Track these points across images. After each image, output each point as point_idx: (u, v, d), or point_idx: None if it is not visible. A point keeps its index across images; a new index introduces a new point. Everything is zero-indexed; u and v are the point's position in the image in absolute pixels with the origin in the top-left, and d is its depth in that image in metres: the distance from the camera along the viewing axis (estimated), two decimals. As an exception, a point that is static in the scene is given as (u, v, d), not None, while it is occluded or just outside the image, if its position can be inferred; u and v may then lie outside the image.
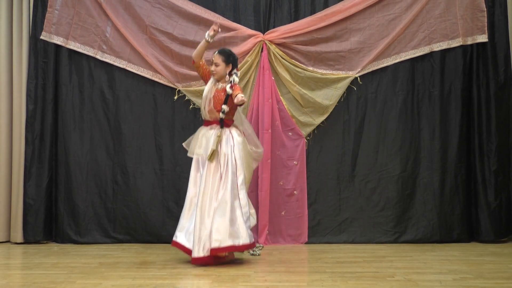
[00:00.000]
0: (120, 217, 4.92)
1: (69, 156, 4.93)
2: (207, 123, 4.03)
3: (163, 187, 4.94)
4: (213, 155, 3.87)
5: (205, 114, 4.02)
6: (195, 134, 4.08)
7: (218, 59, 3.99)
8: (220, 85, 4.01)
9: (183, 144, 4.20)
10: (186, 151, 4.94)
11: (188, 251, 3.85)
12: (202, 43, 4.02)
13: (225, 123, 3.97)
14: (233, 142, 3.96)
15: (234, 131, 4.02)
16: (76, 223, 4.89)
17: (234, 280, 3.44)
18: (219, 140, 3.91)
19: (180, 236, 3.93)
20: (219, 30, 4.04)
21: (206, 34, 4.00)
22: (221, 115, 3.94)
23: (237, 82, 3.96)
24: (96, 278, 3.44)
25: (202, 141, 3.98)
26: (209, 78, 4.06)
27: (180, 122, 4.97)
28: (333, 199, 4.93)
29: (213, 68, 3.99)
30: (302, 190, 4.88)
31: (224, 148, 3.92)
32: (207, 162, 3.89)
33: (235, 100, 3.79)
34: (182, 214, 3.98)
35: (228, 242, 3.76)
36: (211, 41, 4.01)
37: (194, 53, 4.06)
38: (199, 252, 3.75)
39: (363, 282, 3.32)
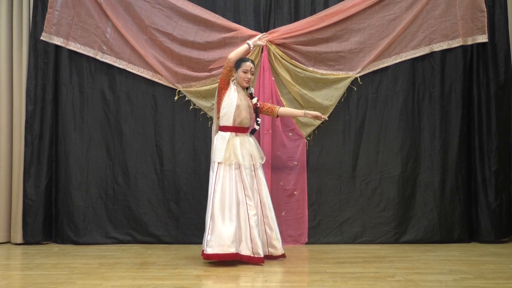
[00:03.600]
0: (121, 217, 4.92)
1: (69, 156, 4.93)
2: (245, 130, 4.11)
3: (163, 187, 4.94)
4: None
5: (245, 121, 4.08)
6: (227, 144, 4.01)
7: (253, 68, 4.23)
8: (243, 92, 4.18)
9: (218, 160, 4.01)
10: (187, 152, 4.96)
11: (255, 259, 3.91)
12: (245, 49, 4.11)
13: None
14: None
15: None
16: (76, 223, 4.89)
17: (234, 280, 3.44)
18: None
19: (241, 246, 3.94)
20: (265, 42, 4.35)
21: (252, 41, 4.14)
22: (256, 126, 4.24)
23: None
24: (96, 279, 3.44)
25: (243, 151, 4.03)
26: (229, 84, 4.11)
27: (181, 123, 4.97)
28: (334, 199, 4.92)
29: (249, 76, 4.16)
30: (303, 191, 4.88)
31: None
32: (258, 169, 4.09)
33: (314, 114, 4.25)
34: (223, 221, 3.89)
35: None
36: (252, 49, 4.20)
37: (234, 55, 4.05)
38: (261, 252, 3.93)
39: (363, 282, 3.32)
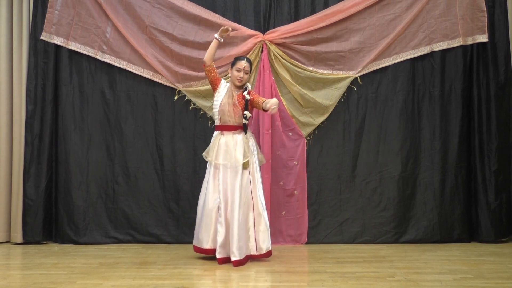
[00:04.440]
0: (121, 217, 4.92)
1: (69, 156, 4.93)
2: (230, 128, 4.08)
3: (163, 187, 4.94)
4: (247, 163, 4.05)
5: (228, 119, 4.07)
6: (213, 142, 4.10)
7: (248, 67, 4.16)
8: (237, 91, 4.16)
9: (204, 154, 4.15)
10: (187, 152, 4.96)
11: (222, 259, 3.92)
12: (214, 44, 4.16)
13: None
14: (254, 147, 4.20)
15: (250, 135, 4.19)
16: (76, 223, 4.89)
17: (234, 280, 3.44)
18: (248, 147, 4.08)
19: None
20: (230, 29, 4.24)
21: (217, 35, 4.17)
22: (245, 121, 4.10)
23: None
24: (96, 279, 3.45)
25: (225, 151, 4.03)
26: (218, 83, 4.17)
27: (181, 122, 4.97)
28: (334, 199, 4.92)
29: (242, 75, 4.11)
30: (303, 190, 4.88)
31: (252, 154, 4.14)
32: (238, 169, 3.98)
33: (272, 110, 3.91)
34: (205, 223, 3.99)
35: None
36: (222, 41, 4.20)
37: (206, 55, 4.16)
38: (241, 255, 3.88)
39: (363, 282, 3.32)
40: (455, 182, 4.89)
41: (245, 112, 4.08)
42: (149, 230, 4.90)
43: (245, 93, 4.12)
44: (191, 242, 4.73)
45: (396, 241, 4.85)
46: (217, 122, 4.14)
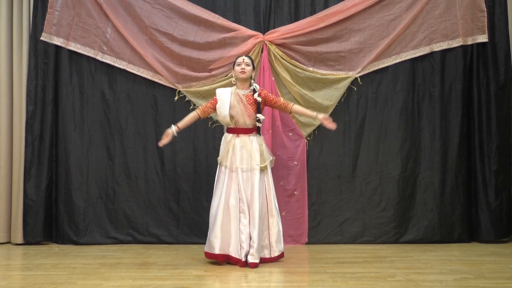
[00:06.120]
0: (121, 217, 4.92)
1: (69, 157, 4.93)
2: (246, 130, 4.02)
3: (164, 187, 4.94)
4: (265, 166, 4.02)
5: (243, 122, 4.01)
6: (226, 145, 4.01)
7: (248, 60, 4.09)
8: (242, 92, 4.06)
9: (219, 159, 4.06)
10: (187, 152, 4.96)
11: (238, 261, 3.83)
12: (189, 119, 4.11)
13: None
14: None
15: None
16: (77, 223, 4.89)
17: (234, 280, 3.44)
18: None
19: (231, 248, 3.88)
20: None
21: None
22: (258, 123, 4.06)
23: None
24: (96, 279, 3.45)
25: (242, 153, 3.97)
26: (216, 103, 4.04)
27: (181, 123, 4.97)
28: (334, 199, 4.92)
29: (243, 66, 4.02)
30: (303, 191, 4.88)
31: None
32: (256, 172, 3.93)
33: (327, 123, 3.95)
34: (221, 224, 3.88)
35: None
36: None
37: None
38: (258, 257, 3.83)
39: (363, 282, 3.33)
40: (455, 182, 4.89)
41: (258, 115, 4.02)
42: (149, 230, 4.90)
43: (256, 95, 4.03)
44: (191, 243, 4.77)
45: (396, 241, 4.85)
46: (230, 125, 4.04)
